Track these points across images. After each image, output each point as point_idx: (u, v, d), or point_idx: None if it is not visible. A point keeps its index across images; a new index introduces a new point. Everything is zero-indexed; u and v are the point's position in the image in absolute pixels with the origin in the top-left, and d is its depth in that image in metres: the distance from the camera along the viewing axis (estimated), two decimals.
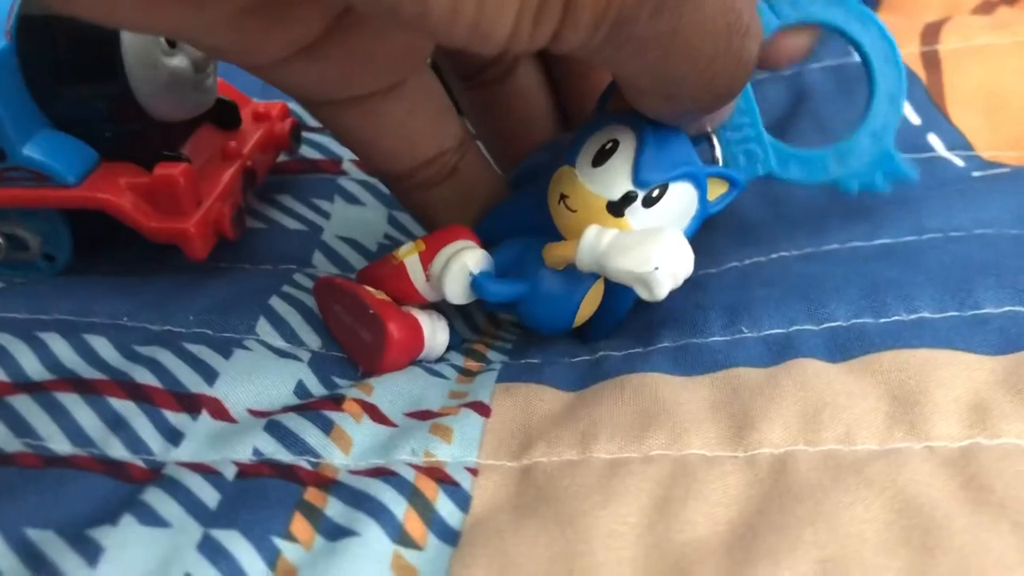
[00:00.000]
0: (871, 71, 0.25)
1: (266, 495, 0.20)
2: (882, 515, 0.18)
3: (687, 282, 0.25)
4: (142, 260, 0.28)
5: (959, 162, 0.30)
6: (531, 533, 0.19)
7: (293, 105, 0.35)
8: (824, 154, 0.25)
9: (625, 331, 0.25)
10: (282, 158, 0.32)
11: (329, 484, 0.21)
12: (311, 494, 0.20)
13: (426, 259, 0.24)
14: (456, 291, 0.24)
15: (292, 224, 0.30)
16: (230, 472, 0.21)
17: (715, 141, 0.26)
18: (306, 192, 0.31)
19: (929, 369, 0.21)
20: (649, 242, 0.21)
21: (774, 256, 0.27)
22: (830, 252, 0.26)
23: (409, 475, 0.21)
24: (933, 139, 0.31)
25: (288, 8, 0.18)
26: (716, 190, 0.24)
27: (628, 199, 0.23)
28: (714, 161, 0.26)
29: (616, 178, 0.23)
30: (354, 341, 0.25)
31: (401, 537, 0.19)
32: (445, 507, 0.20)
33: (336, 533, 0.19)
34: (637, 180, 0.23)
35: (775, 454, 0.20)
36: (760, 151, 0.26)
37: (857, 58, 0.29)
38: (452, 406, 0.23)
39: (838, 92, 0.32)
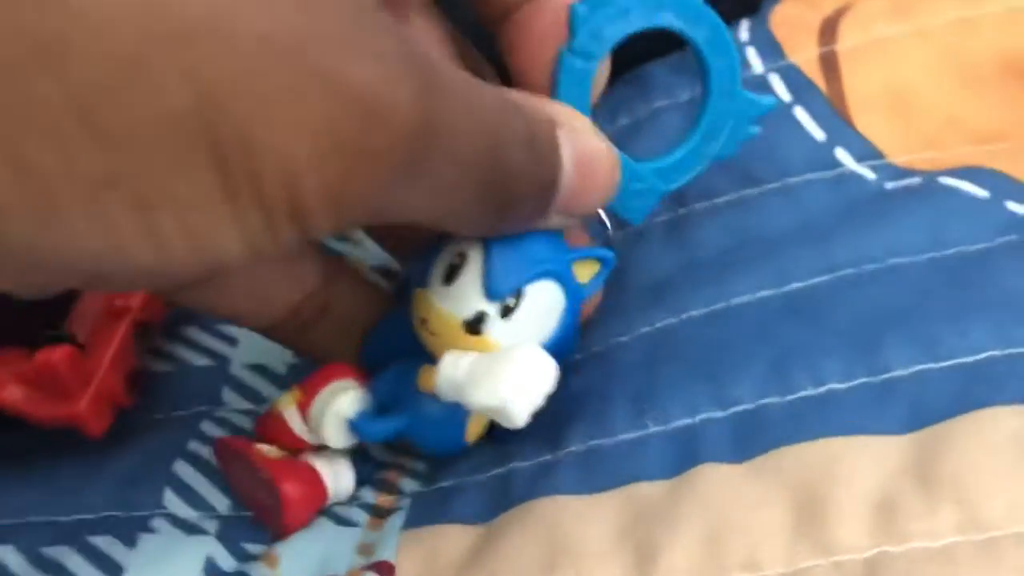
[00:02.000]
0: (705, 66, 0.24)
1: None
2: None
3: (602, 355, 0.24)
4: (46, 438, 0.28)
5: (870, 175, 0.28)
6: None
7: None
8: (689, 148, 0.24)
9: (534, 425, 0.24)
10: None
11: None
12: None
13: (304, 406, 0.24)
14: (336, 439, 0.24)
15: (198, 360, 0.29)
16: None
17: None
18: (210, 323, 0.30)
19: (833, 464, 0.21)
20: (496, 372, 0.21)
21: (684, 317, 0.26)
22: (740, 307, 0.25)
23: None
24: (841, 154, 0.29)
25: None
26: (587, 271, 0.23)
27: (480, 319, 0.22)
28: (602, 224, 0.24)
29: (468, 295, 0.22)
30: (257, 502, 0.25)
31: None
32: None
33: None
34: (489, 293, 0.22)
35: None
36: (644, 182, 0.24)
37: (755, 71, 0.27)
38: (357, 569, 0.23)
39: None
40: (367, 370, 0.24)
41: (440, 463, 0.25)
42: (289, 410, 0.24)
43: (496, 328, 0.22)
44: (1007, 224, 0.25)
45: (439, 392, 0.22)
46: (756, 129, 0.25)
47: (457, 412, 0.23)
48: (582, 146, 0.21)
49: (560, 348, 0.23)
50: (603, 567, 0.21)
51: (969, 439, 0.20)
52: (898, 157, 0.29)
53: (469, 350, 0.22)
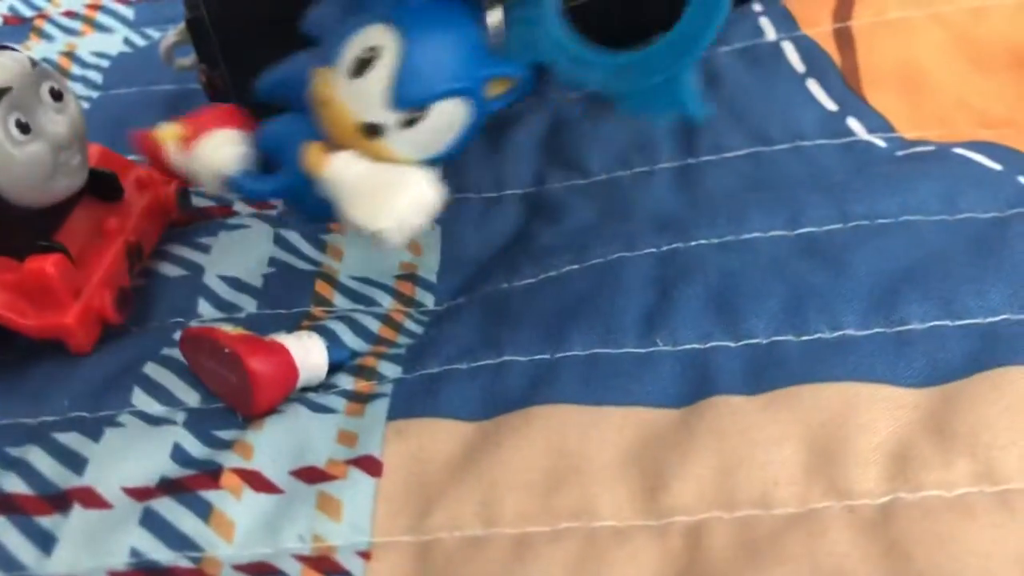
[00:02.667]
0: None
1: None
2: None
3: (604, 266, 0.23)
4: (20, 345, 0.26)
5: (882, 144, 0.28)
6: None
7: None
8: (615, 60, 0.21)
9: (534, 320, 0.24)
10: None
11: None
12: None
13: (186, 143, 0.23)
14: (213, 188, 0.24)
15: (173, 271, 0.28)
16: None
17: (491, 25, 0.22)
18: (189, 235, 0.29)
19: (851, 409, 0.20)
20: (380, 198, 0.20)
21: (693, 244, 0.25)
22: (752, 241, 0.25)
23: (295, 572, 0.19)
24: (853, 123, 0.29)
25: None
26: (497, 87, 0.22)
27: (379, 129, 0.21)
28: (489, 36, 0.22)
29: (372, 98, 0.21)
30: (226, 387, 0.23)
31: None
32: None
33: None
34: (394, 102, 0.20)
35: (690, 523, 0.19)
36: (538, 31, 0.22)
37: (768, 38, 0.26)
38: (340, 461, 0.21)
39: (750, 76, 0.30)
40: (259, 100, 0.24)
41: (425, 342, 0.24)
42: (170, 144, 0.23)
43: (393, 137, 0.21)
44: (1018, 197, 0.25)
45: (322, 185, 0.21)
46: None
47: None
48: None
49: (451, 155, 0.22)
50: (611, 490, 0.20)
51: (985, 396, 0.20)
52: (908, 132, 0.29)
53: (361, 149, 0.21)
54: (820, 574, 0.17)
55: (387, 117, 0.21)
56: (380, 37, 0.21)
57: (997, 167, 0.26)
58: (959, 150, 0.27)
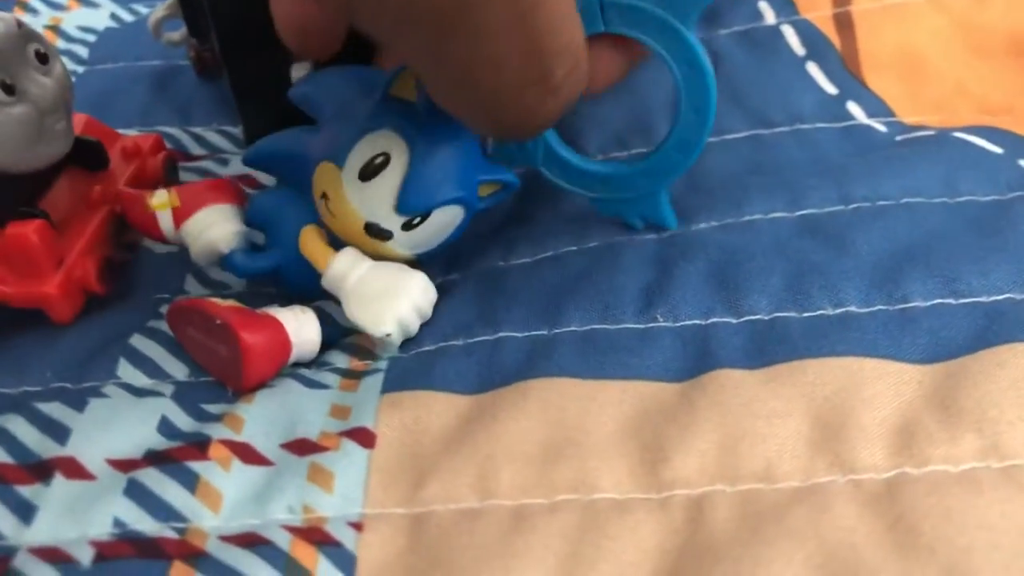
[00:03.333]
0: (676, 83, 0.23)
1: None
2: (804, 571, 0.17)
3: (603, 247, 0.23)
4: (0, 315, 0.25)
5: (882, 128, 0.28)
6: None
7: (174, 131, 0.32)
8: (601, 171, 0.24)
9: (531, 297, 0.23)
10: None
11: (197, 556, 0.18)
12: (177, 571, 0.18)
13: (179, 217, 0.23)
14: (203, 262, 0.24)
15: (160, 246, 0.27)
16: (86, 556, 0.18)
17: None
18: None
19: (855, 384, 0.20)
20: (384, 303, 0.22)
21: (693, 228, 0.25)
22: (752, 222, 0.24)
23: (284, 542, 0.18)
24: (853, 107, 0.29)
25: None
26: (489, 188, 0.23)
27: (383, 232, 0.22)
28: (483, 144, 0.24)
29: (379, 203, 0.22)
30: (216, 361, 0.22)
31: None
32: (327, 574, 0.18)
33: None
34: (400, 206, 0.22)
35: (691, 496, 0.19)
36: (531, 146, 0.24)
37: (767, 21, 0.27)
38: (332, 433, 0.21)
39: (749, 59, 0.30)
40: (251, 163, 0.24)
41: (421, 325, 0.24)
42: (163, 212, 0.24)
43: (395, 237, 0.22)
44: (1019, 180, 0.25)
45: (324, 280, 0.22)
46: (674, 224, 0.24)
47: None
48: None
49: (442, 247, 0.23)
50: (610, 463, 0.19)
51: (991, 372, 0.20)
52: (908, 117, 0.28)
53: (361, 245, 0.22)
54: (826, 547, 0.17)
55: (395, 222, 0.22)
56: (389, 145, 0.22)
57: (997, 150, 0.26)
58: (959, 134, 0.27)
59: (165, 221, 0.24)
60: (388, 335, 0.22)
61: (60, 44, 0.36)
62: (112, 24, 0.38)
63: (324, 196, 0.22)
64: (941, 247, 0.23)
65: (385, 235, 0.22)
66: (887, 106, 0.28)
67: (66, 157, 0.25)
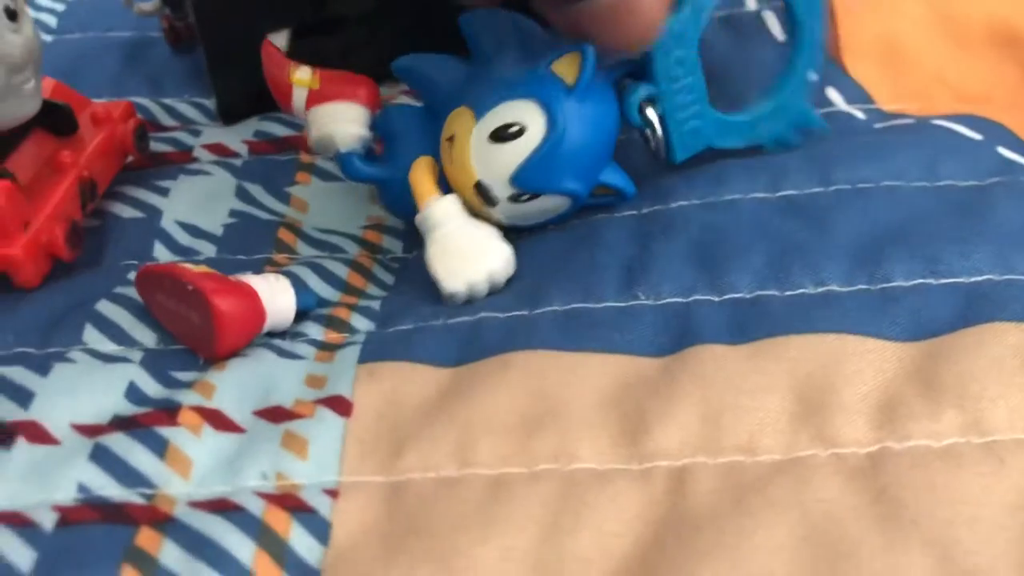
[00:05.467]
0: (798, 23, 0.24)
1: (89, 548, 0.17)
2: (788, 542, 0.17)
3: (583, 226, 0.24)
4: None
5: (860, 115, 0.28)
6: (401, 574, 0.17)
7: (145, 101, 0.31)
8: (755, 116, 0.25)
9: (509, 287, 0.23)
10: (130, 159, 0.29)
11: (164, 522, 0.18)
12: (144, 537, 0.18)
13: (312, 99, 0.24)
14: (318, 150, 0.24)
15: (128, 212, 0.26)
16: (49, 521, 0.18)
17: (655, 124, 0.24)
18: (147, 177, 0.28)
19: (837, 361, 0.20)
20: (462, 261, 0.22)
21: (674, 205, 0.24)
22: (733, 201, 0.24)
23: (257, 508, 0.18)
24: (832, 93, 0.29)
25: None
26: (601, 189, 0.24)
27: (492, 197, 0.22)
28: (652, 141, 0.25)
29: (498, 168, 0.22)
30: (186, 328, 0.22)
31: None
32: (301, 541, 0.18)
33: None
34: (516, 179, 0.22)
35: (672, 467, 0.18)
36: (703, 126, 0.25)
37: (748, 7, 0.27)
38: (307, 401, 0.20)
39: (730, 45, 0.30)
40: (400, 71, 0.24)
41: (399, 299, 0.23)
42: (300, 89, 0.24)
43: (499, 204, 0.23)
44: (998, 167, 0.25)
45: (417, 216, 0.23)
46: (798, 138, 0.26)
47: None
48: None
49: (538, 225, 0.24)
50: (591, 433, 0.19)
51: (972, 349, 0.20)
52: (887, 104, 0.28)
53: (464, 197, 0.23)
54: (809, 519, 0.17)
55: (505, 190, 0.22)
56: (531, 117, 0.22)
57: (977, 137, 0.26)
58: (939, 122, 0.27)
59: (299, 98, 0.24)
60: (453, 293, 0.22)
61: (29, 12, 0.35)
62: None
63: (451, 139, 0.23)
64: (922, 229, 0.23)
65: (491, 200, 0.22)
66: (866, 92, 0.29)
67: (33, 119, 0.25)
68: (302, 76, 0.24)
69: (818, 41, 0.25)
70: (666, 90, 0.24)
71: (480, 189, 0.22)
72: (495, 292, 0.23)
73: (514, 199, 0.22)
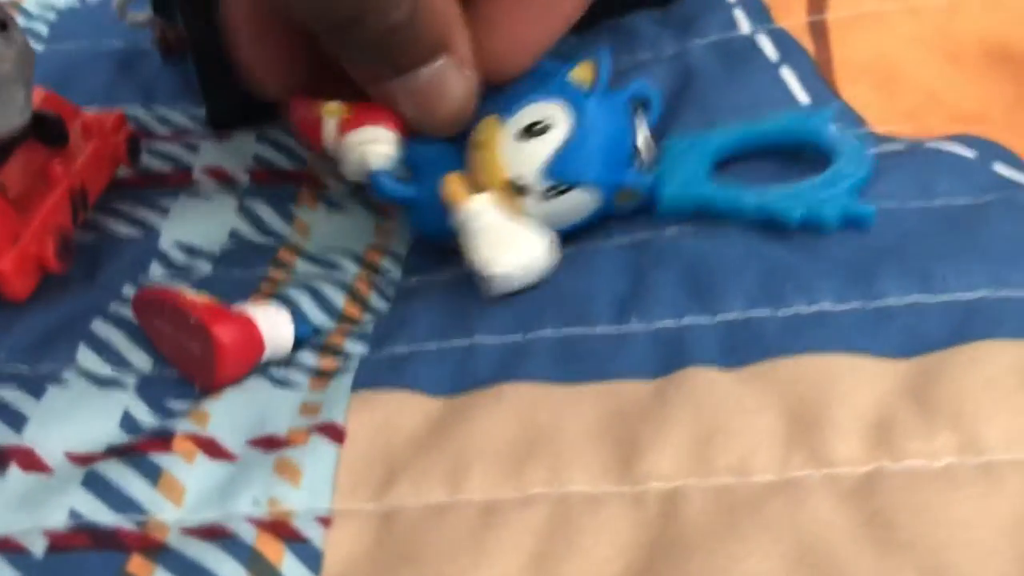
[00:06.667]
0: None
1: (81, 574, 0.17)
2: (781, 565, 0.16)
3: (576, 255, 0.24)
4: None
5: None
6: None
7: (142, 113, 0.31)
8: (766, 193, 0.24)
9: (505, 302, 0.23)
10: (123, 172, 0.29)
11: (156, 549, 0.18)
12: (135, 564, 0.18)
13: (344, 127, 0.24)
14: (351, 175, 0.24)
15: (125, 230, 0.26)
16: (39, 547, 0.18)
17: (640, 147, 0.25)
18: (145, 196, 0.28)
19: (829, 380, 0.20)
20: (504, 247, 0.23)
21: (666, 232, 0.25)
22: (725, 228, 0.24)
23: (248, 535, 0.18)
24: None
25: None
26: (625, 197, 0.24)
27: (524, 190, 0.23)
28: (638, 156, 0.25)
29: (530, 163, 0.23)
30: (184, 356, 0.22)
31: None
32: (293, 570, 0.18)
33: None
34: (550, 170, 0.23)
35: (664, 490, 0.18)
36: (695, 181, 0.25)
37: (741, 31, 0.27)
38: (301, 429, 0.20)
39: (723, 69, 0.30)
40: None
41: (392, 323, 0.23)
42: (331, 120, 0.24)
43: (532, 200, 0.23)
44: (994, 184, 0.25)
45: (458, 213, 0.23)
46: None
47: None
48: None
49: (561, 232, 0.24)
50: (582, 461, 0.19)
51: (967, 367, 0.19)
52: (879, 126, 0.28)
53: (499, 198, 0.23)
54: (803, 541, 0.17)
55: (536, 182, 0.23)
56: (556, 114, 0.23)
57: (970, 155, 0.26)
58: (933, 144, 0.27)
59: (330, 128, 0.24)
60: (493, 277, 0.22)
61: (20, 22, 0.35)
62: (74, 3, 0.37)
63: (477, 144, 0.24)
64: (916, 246, 0.23)
65: (526, 191, 0.23)
66: (857, 115, 0.28)
67: (24, 131, 0.25)
68: (333, 107, 0.24)
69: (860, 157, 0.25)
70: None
71: (514, 186, 0.23)
72: (533, 280, 0.23)
73: (547, 193, 0.23)
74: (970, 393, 0.19)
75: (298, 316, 0.23)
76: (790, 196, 0.24)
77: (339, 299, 0.24)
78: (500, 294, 0.23)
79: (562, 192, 0.23)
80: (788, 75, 0.30)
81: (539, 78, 0.24)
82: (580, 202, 0.24)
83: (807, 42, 0.30)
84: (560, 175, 0.23)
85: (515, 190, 0.23)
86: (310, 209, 0.28)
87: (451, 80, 0.23)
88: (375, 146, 0.24)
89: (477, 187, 0.23)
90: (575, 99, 0.23)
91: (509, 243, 0.23)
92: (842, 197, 0.24)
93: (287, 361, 0.23)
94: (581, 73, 0.24)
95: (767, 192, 0.24)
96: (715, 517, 0.17)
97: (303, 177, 0.29)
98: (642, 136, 0.25)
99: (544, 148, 0.23)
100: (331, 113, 0.24)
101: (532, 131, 0.23)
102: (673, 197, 0.25)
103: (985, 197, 0.24)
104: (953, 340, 0.20)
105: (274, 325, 0.22)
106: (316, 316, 0.24)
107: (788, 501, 0.18)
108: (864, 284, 0.22)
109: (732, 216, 0.24)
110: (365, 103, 0.24)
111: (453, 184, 0.23)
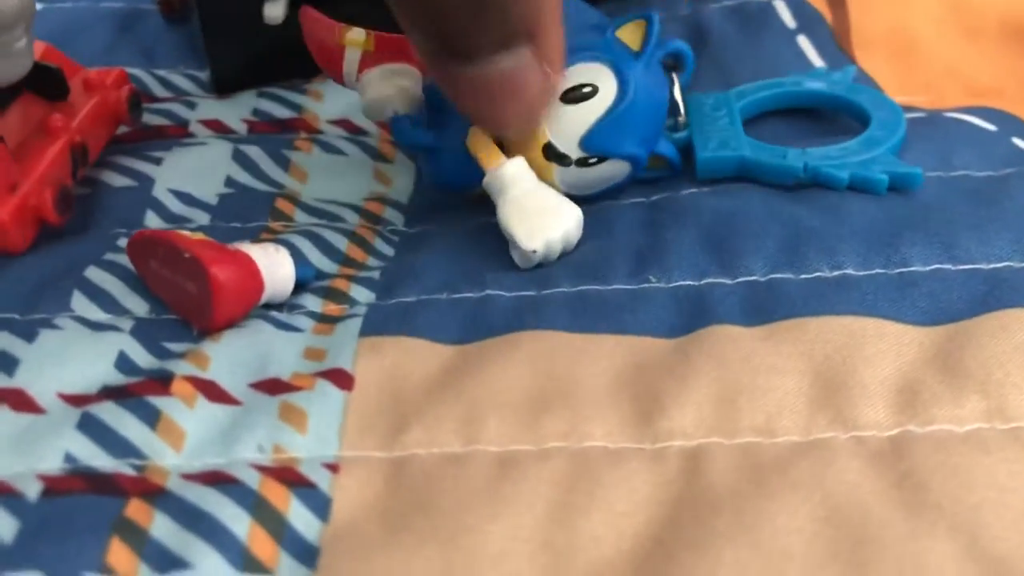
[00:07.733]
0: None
1: (75, 519, 0.16)
2: (809, 525, 0.16)
3: (591, 212, 0.23)
4: None
5: None
6: (405, 554, 0.16)
7: (138, 72, 0.30)
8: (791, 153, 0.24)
9: (516, 268, 0.22)
10: (122, 130, 0.28)
11: (156, 494, 0.17)
12: (134, 508, 0.17)
13: (366, 62, 0.23)
14: (371, 115, 0.23)
15: (119, 181, 0.26)
16: (33, 491, 0.17)
17: (680, 110, 0.25)
18: (139, 148, 0.27)
19: (856, 343, 0.19)
20: (541, 220, 0.22)
21: (684, 193, 0.24)
22: (743, 189, 0.24)
23: (253, 480, 0.17)
24: None
25: None
26: (655, 162, 0.24)
27: (562, 158, 0.22)
28: (676, 125, 0.25)
29: (569, 129, 0.22)
30: (181, 297, 0.21)
31: (246, 562, 0.16)
32: (300, 517, 0.17)
33: (165, 564, 0.16)
34: (586, 141, 0.22)
35: (687, 447, 0.18)
36: (734, 141, 0.24)
37: None
38: (306, 374, 0.19)
39: (739, 33, 0.29)
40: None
41: (400, 272, 0.22)
42: (353, 51, 0.23)
43: (566, 167, 0.23)
44: (1013, 157, 0.24)
45: (485, 180, 0.22)
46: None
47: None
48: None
49: (593, 195, 0.24)
50: (602, 412, 0.18)
51: (995, 335, 0.19)
52: (896, 96, 0.28)
53: (531, 160, 0.22)
54: (832, 501, 0.16)
55: (575, 152, 0.22)
56: (603, 80, 0.22)
57: (991, 128, 0.25)
58: (952, 114, 0.26)
59: (351, 61, 0.23)
60: (534, 251, 0.22)
61: None
62: None
63: None
64: (939, 215, 0.22)
65: (564, 160, 0.22)
66: (876, 84, 0.28)
67: (23, 82, 0.24)
68: (355, 37, 0.23)
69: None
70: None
71: (550, 150, 0.22)
72: (567, 253, 0.22)
73: (580, 163, 0.22)
74: (999, 360, 0.19)
75: (300, 258, 0.23)
76: (834, 156, 0.24)
77: (341, 243, 0.24)
78: (530, 265, 0.22)
79: (598, 162, 0.23)
80: (804, 41, 0.29)
81: (585, 30, 0.23)
82: (613, 171, 0.23)
83: (824, 8, 0.30)
84: (600, 148, 0.22)
85: (552, 156, 0.22)
86: (306, 153, 0.27)
87: (529, 78, 0.20)
88: (400, 87, 0.23)
89: (502, 141, 0.22)
90: (623, 64, 0.22)
91: (547, 215, 0.22)
92: (887, 157, 0.24)
93: (289, 305, 0.22)
94: (628, 34, 0.23)
95: (808, 153, 0.24)
96: (741, 475, 0.17)
97: (298, 124, 0.28)
98: (676, 97, 0.25)
99: (588, 116, 0.22)
100: (353, 44, 0.23)
101: (577, 95, 0.22)
102: (712, 160, 0.24)
103: (1006, 170, 0.24)
104: (979, 308, 0.20)
105: (273, 263, 0.21)
106: (318, 260, 0.23)
107: (815, 462, 0.17)
108: (888, 250, 0.21)
109: (775, 178, 0.24)
110: (388, 35, 0.23)
111: (483, 140, 0.22)
